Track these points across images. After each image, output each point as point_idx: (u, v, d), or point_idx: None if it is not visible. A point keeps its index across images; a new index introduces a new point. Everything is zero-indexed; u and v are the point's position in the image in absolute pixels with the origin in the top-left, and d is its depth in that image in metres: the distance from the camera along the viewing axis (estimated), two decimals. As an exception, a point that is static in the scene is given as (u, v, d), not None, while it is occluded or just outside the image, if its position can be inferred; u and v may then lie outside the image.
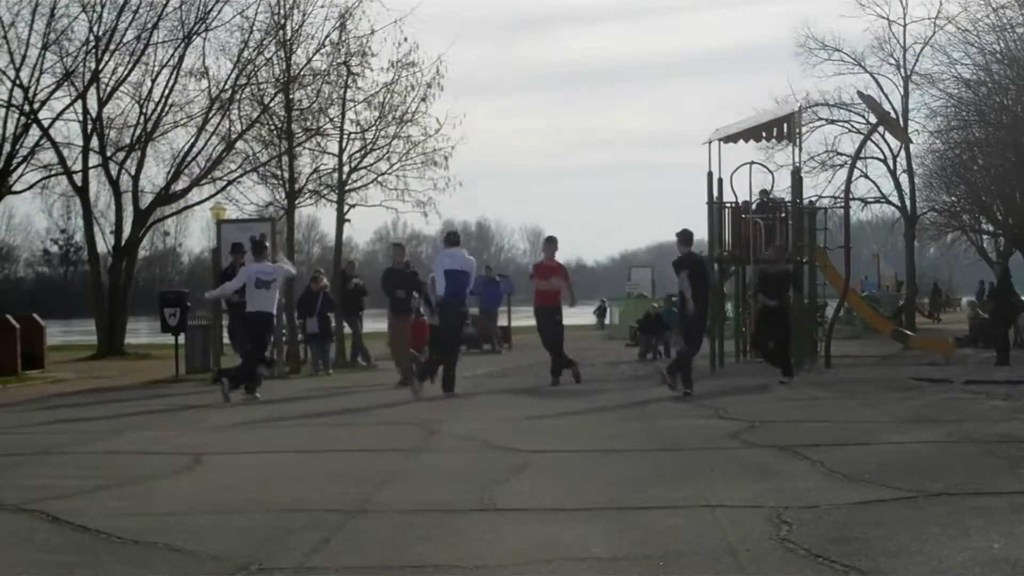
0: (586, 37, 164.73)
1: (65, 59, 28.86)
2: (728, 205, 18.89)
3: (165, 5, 28.81)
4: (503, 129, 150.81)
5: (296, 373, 19.48)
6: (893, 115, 30.32)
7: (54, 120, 29.46)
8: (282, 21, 23.51)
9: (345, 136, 23.90)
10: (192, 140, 29.27)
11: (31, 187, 31.06)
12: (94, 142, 29.99)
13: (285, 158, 23.12)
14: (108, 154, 30.13)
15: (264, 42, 25.61)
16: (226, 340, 18.48)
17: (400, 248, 17.31)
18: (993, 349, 19.47)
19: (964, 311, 30.55)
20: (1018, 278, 25.05)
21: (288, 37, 23.27)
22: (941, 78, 33.59)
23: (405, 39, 24.17)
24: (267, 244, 14.88)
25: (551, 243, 16.51)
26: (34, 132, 29.08)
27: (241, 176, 27.67)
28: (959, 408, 11.64)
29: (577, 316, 43.04)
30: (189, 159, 29.51)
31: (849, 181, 22.00)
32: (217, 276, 17.43)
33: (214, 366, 18.37)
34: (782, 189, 23.08)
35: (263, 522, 6.23)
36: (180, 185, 30.23)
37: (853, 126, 34.97)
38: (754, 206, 19.11)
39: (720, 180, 18.87)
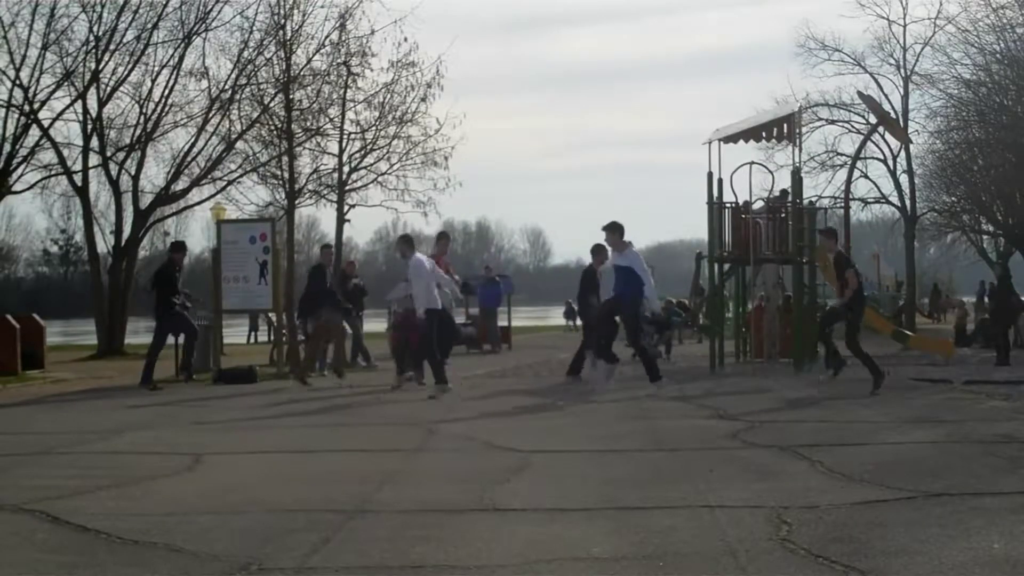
0: (586, 37, 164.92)
1: (65, 59, 28.88)
2: (728, 205, 18.91)
3: (165, 5, 28.83)
4: (503, 129, 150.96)
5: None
6: (893, 115, 30.34)
7: (54, 120, 29.47)
8: (282, 21, 23.51)
9: (345, 136, 23.96)
10: (192, 140, 29.31)
11: (31, 187, 31.09)
12: (94, 142, 29.99)
13: (285, 158, 23.12)
14: (108, 154, 30.13)
15: (264, 42, 25.67)
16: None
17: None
18: (993, 349, 19.48)
19: (964, 313, 30.61)
20: (1018, 278, 25.06)
21: (288, 37, 23.26)
22: (941, 78, 33.64)
23: (405, 39, 24.28)
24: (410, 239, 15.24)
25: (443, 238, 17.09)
26: (34, 132, 29.08)
27: (241, 176, 27.73)
28: (959, 408, 11.65)
29: (555, 317, 43.20)
30: (189, 159, 29.53)
31: (849, 181, 22.07)
32: (154, 275, 17.53)
33: (214, 366, 18.36)
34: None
35: (263, 522, 6.23)
36: (180, 185, 30.25)
37: (853, 126, 35.01)
38: (762, 200, 19.12)
39: (720, 180, 18.89)
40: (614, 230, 14.35)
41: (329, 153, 24.36)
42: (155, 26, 28.99)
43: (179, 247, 17.95)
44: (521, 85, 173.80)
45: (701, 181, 18.98)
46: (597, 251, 15.89)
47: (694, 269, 26.91)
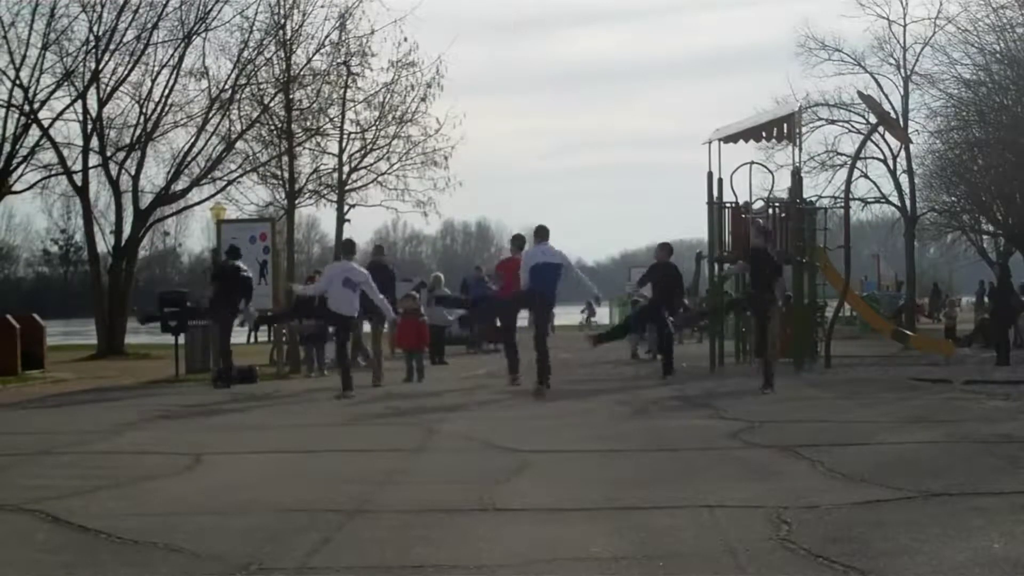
0: (586, 37, 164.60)
1: (65, 59, 28.88)
2: (728, 205, 18.91)
3: (165, 5, 28.84)
4: (503, 129, 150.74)
5: (296, 373, 19.49)
6: (893, 115, 30.31)
7: (54, 120, 29.47)
8: (282, 21, 23.52)
9: (345, 136, 23.93)
10: (192, 140, 29.31)
11: (31, 187, 31.11)
12: (94, 142, 29.99)
13: (285, 158, 23.12)
14: (108, 154, 30.13)
15: (264, 42, 25.64)
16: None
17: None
18: (993, 349, 19.48)
19: (955, 314, 30.69)
20: (1018, 278, 25.05)
21: (288, 37, 23.27)
22: (941, 78, 33.57)
23: (405, 39, 24.22)
24: (354, 244, 15.85)
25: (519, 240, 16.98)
26: (34, 132, 29.09)
27: (241, 176, 27.71)
28: (959, 408, 11.64)
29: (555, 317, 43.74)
30: (189, 159, 29.54)
31: (849, 181, 21.99)
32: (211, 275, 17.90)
33: (214, 366, 18.36)
34: (782, 189, 23.09)
35: (263, 522, 6.23)
36: (180, 185, 30.26)
37: (853, 126, 34.96)
38: (762, 200, 19.18)
39: (720, 180, 18.90)
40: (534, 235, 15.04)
41: (329, 153, 24.35)
42: (155, 26, 29.01)
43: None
44: (521, 85, 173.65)
45: (701, 181, 19.00)
46: (662, 248, 17.14)
47: (694, 269, 26.90)
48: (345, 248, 15.93)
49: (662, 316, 16.59)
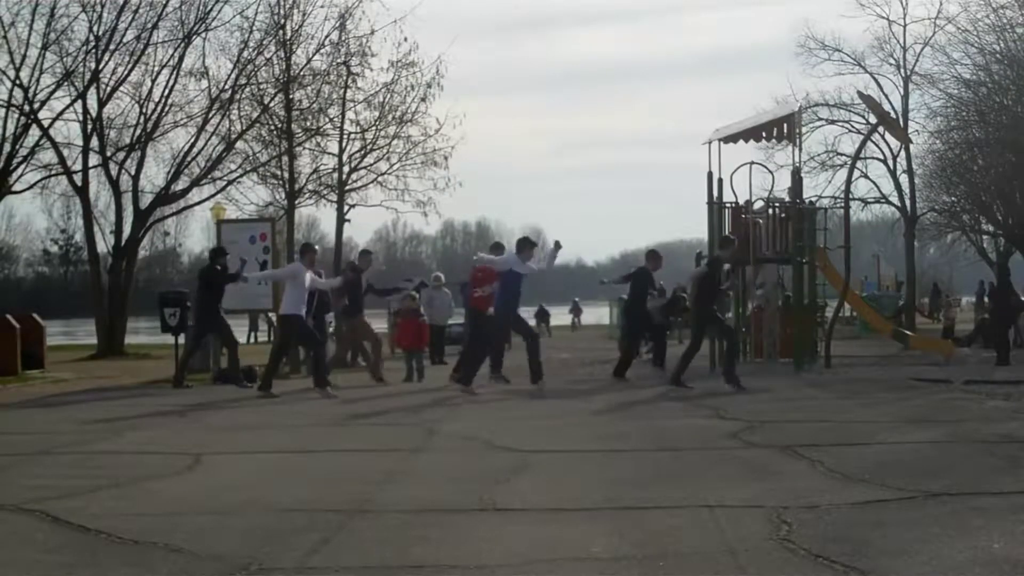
0: (586, 37, 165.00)
1: (65, 59, 28.86)
2: (728, 205, 18.91)
3: (165, 5, 28.81)
4: (503, 129, 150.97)
5: (296, 374, 19.47)
6: (893, 115, 30.33)
7: (54, 120, 29.45)
8: (282, 21, 23.56)
9: (345, 136, 23.96)
10: (192, 140, 29.28)
11: (31, 187, 31.08)
12: (94, 142, 29.97)
13: (285, 158, 23.13)
14: (108, 154, 30.10)
15: (264, 42, 25.66)
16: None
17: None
18: (993, 349, 19.48)
19: (954, 313, 30.73)
20: (1018, 278, 25.04)
21: (288, 37, 23.30)
22: (941, 78, 33.63)
23: (405, 39, 24.31)
24: (313, 248, 16.07)
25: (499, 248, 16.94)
26: (34, 132, 29.06)
27: (241, 176, 27.71)
28: (959, 408, 11.64)
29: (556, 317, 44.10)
30: (189, 159, 29.51)
31: (849, 181, 22.02)
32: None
33: (214, 366, 18.35)
34: (782, 189, 23.11)
35: (263, 522, 6.23)
36: (180, 185, 30.23)
37: (853, 126, 35.01)
38: (762, 200, 19.20)
39: (720, 180, 18.90)
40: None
41: (329, 153, 24.40)
42: (155, 26, 28.98)
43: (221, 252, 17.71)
44: (521, 85, 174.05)
45: (701, 181, 19.01)
46: (652, 256, 17.05)
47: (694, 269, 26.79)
48: (299, 250, 16.40)
49: (641, 317, 16.69)
